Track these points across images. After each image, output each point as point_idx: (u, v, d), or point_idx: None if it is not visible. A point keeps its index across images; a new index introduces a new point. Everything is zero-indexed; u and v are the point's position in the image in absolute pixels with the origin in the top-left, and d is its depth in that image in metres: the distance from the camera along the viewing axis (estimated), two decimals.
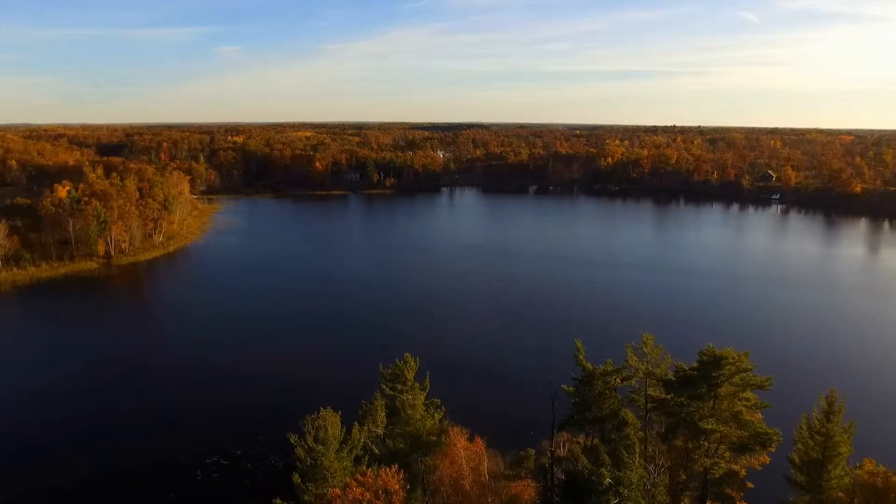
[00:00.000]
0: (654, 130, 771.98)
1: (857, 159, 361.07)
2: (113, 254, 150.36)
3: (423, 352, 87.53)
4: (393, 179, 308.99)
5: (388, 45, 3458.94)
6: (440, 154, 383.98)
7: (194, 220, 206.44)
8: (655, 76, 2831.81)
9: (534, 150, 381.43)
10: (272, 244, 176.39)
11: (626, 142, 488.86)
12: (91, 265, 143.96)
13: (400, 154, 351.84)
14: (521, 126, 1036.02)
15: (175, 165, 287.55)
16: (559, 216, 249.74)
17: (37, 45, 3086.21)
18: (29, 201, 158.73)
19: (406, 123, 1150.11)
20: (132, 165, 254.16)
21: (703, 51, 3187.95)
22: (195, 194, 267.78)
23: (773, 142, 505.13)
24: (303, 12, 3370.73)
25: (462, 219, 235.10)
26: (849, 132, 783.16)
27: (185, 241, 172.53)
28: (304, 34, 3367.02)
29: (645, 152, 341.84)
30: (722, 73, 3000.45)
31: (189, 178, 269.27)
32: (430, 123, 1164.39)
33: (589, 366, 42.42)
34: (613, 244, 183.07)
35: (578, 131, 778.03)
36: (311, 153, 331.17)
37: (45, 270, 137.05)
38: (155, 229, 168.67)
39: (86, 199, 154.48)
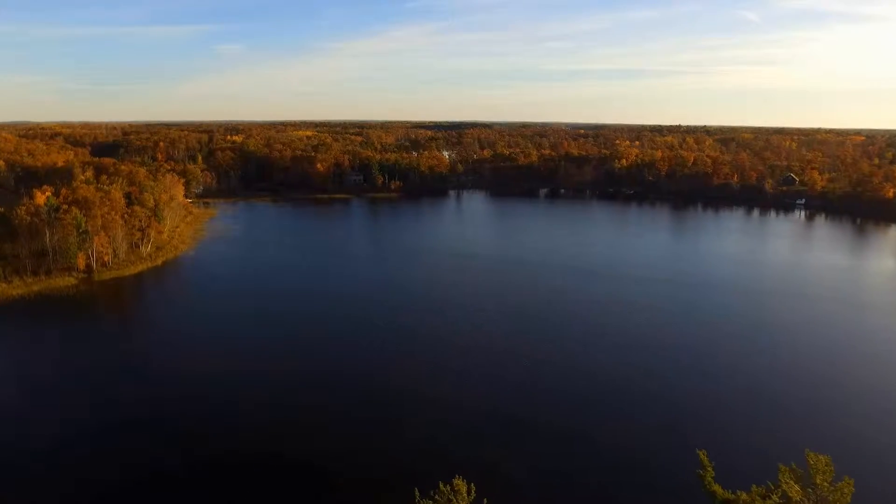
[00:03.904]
0: (659, 130, 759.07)
1: (875, 160, 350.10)
2: (94, 268, 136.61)
3: (454, 424, 69.85)
4: (398, 182, 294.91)
5: (389, 44, 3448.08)
6: (446, 155, 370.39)
7: (187, 227, 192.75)
8: (655, 75, 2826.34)
9: (542, 151, 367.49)
10: (269, 255, 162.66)
11: (638, 142, 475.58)
12: (69, 280, 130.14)
13: (405, 155, 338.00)
14: (525, 125, 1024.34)
15: (169, 167, 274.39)
16: (577, 223, 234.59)
17: (37, 43, 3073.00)
18: (1, 209, 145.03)
19: (408, 122, 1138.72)
20: (123, 167, 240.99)
21: (704, 50, 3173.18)
22: (190, 198, 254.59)
23: (787, 142, 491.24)
24: (304, 11, 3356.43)
25: (475, 227, 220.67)
26: (857, 132, 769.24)
27: (176, 252, 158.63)
28: (306, 32, 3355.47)
29: (659, 153, 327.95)
30: (723, 72, 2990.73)
31: (183, 180, 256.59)
32: (432, 122, 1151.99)
33: (720, 490, 28.85)
34: (645, 256, 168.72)
35: (584, 130, 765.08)
36: (312, 154, 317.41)
37: (17, 287, 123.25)
38: (143, 239, 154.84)
39: (65, 206, 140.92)
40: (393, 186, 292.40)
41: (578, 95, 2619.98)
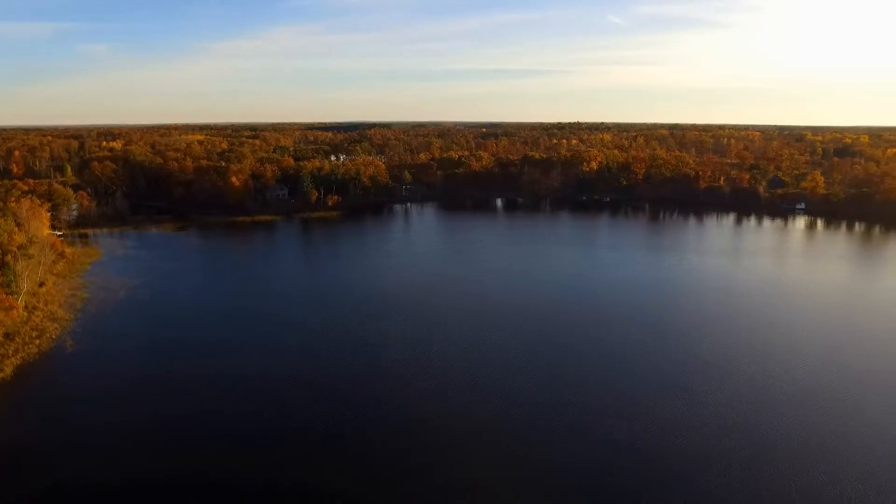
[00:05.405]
0: (560, 127, 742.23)
1: (806, 156, 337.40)
2: None
3: None
4: (336, 197, 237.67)
5: (269, 44, 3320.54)
6: (382, 160, 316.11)
7: (58, 285, 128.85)
8: (529, 75, 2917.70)
9: (497, 155, 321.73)
10: (192, 334, 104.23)
11: (576, 140, 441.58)
12: None
13: (340, 163, 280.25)
14: (419, 124, 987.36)
15: (27, 187, 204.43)
16: (559, 244, 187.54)
17: None
18: None
19: (302, 124, 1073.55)
20: None
21: (574, 51, 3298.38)
22: (59, 230, 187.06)
23: (732, 141, 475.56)
24: (174, 10, 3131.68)
25: (441, 257, 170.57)
26: (745, 127, 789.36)
27: (41, 342, 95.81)
28: (178, 32, 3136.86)
29: (632, 154, 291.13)
30: (590, 72, 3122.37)
31: (48, 205, 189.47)
32: (325, 123, 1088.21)
33: None
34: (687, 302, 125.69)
35: (485, 129, 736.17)
36: (223, 164, 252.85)
37: None
38: None
39: None
40: (330, 203, 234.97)
41: (460, 94, 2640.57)
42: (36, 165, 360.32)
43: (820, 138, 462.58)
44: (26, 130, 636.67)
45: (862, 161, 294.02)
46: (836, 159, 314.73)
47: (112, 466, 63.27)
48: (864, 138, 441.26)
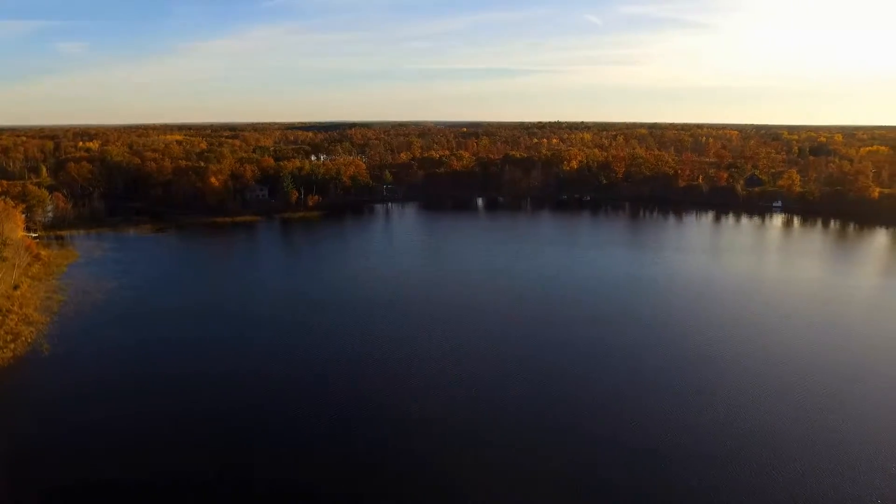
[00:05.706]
0: (540, 127, 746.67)
1: (783, 154, 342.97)
2: None
3: None
4: (317, 197, 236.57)
5: (250, 43, 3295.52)
6: (362, 159, 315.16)
7: (33, 288, 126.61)
8: (516, 74, 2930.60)
9: (478, 154, 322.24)
10: (171, 335, 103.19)
11: (557, 139, 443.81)
12: None
13: (321, 163, 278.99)
14: (401, 124, 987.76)
15: (1, 188, 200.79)
16: (541, 243, 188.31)
17: None
18: None
19: (282, 124, 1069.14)
20: None
21: (558, 50, 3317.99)
22: (34, 232, 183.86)
23: (709, 140, 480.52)
24: (154, 8, 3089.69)
25: (423, 256, 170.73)
26: (723, 127, 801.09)
27: (16, 347, 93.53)
28: (158, 31, 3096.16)
29: (612, 153, 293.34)
30: (576, 71, 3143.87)
31: (23, 206, 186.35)
32: (306, 123, 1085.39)
33: None
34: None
35: (466, 129, 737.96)
36: (202, 164, 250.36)
37: None
38: None
39: None
40: (311, 203, 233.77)
41: (445, 94, 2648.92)
42: (10, 166, 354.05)
43: (796, 137, 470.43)
44: (0, 131, 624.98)
45: (836, 160, 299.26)
46: (811, 158, 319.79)
47: (90, 469, 62.41)
48: (838, 137, 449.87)
